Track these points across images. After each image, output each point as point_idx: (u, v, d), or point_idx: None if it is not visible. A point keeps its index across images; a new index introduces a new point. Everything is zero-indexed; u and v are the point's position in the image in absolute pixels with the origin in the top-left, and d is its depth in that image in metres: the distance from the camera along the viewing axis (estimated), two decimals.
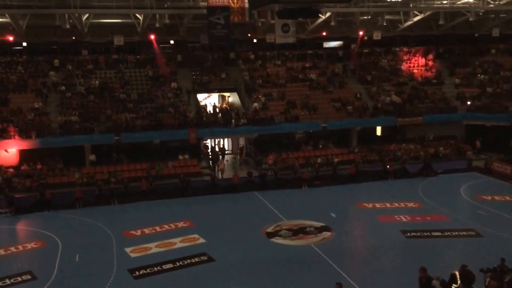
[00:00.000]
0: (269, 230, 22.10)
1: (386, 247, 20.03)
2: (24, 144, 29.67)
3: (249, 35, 38.93)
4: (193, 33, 37.19)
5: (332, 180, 30.21)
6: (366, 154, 33.75)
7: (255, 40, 40.03)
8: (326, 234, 21.47)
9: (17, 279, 17.59)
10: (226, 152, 36.54)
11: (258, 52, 40.33)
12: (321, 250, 19.52)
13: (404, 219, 23.08)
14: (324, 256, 18.95)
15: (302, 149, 34.36)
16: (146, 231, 22.46)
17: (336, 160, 32.15)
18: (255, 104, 34.72)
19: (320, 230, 21.92)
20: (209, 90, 37.58)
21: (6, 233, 22.80)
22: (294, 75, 38.77)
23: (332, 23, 37.20)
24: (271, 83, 37.63)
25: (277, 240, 21.03)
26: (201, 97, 37.44)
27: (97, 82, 35.27)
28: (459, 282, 12.19)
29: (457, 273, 12.13)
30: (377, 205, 25.39)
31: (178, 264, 18.64)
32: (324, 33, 40.55)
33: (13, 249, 20.61)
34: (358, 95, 37.53)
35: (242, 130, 33.26)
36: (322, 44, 42.82)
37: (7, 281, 17.43)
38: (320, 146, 34.67)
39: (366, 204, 25.54)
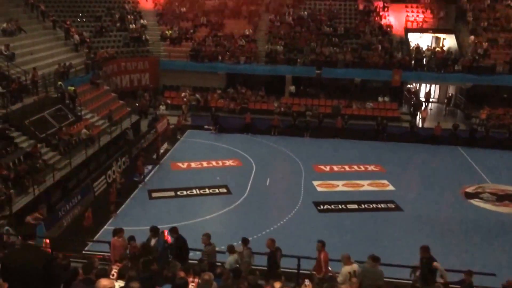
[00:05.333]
0: (469, 190, 20.08)
1: None
2: (233, 69, 31.55)
3: None
4: None
5: None
6: None
7: None
8: None
9: (215, 191, 19.27)
10: (432, 100, 33.62)
11: None
12: None
13: None
14: None
15: None
16: (335, 168, 22.26)
17: None
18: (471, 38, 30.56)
19: None
20: (423, 30, 34.33)
21: (210, 148, 24.96)
22: None
23: None
24: (499, 26, 32.58)
25: (477, 202, 19.05)
26: (412, 37, 34.53)
27: (305, 13, 35.16)
28: None
29: None
30: None
31: (363, 206, 18.15)
32: None
33: (214, 163, 22.51)
34: None
35: (455, 77, 29.93)
36: None
37: (207, 191, 19.24)
38: None
39: None
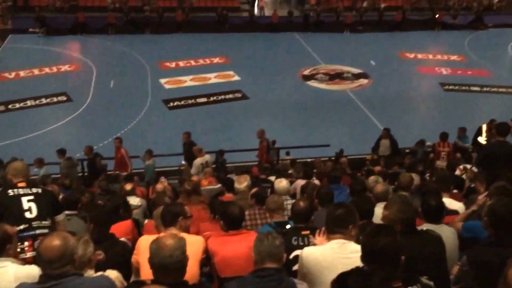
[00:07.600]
0: (306, 73, 21.60)
1: (423, 99, 20.14)
2: None
3: None
4: None
5: (377, 27, 28.44)
6: (416, 0, 31.09)
7: None
8: (363, 81, 21.01)
9: (53, 99, 17.85)
10: None
11: None
12: (356, 97, 19.29)
13: (445, 72, 22.30)
14: (358, 102, 18.77)
15: None
16: (181, 64, 22.02)
17: (383, 5, 29.80)
18: None
19: (357, 76, 21.41)
20: None
21: (40, 54, 22.54)
22: None
23: None
24: None
25: (313, 83, 20.68)
26: None
27: None
28: (484, 134, 11.35)
29: (484, 126, 11.32)
30: (419, 56, 24.40)
31: (212, 99, 18.55)
32: None
33: (47, 69, 20.56)
34: None
35: None
36: None
37: (43, 100, 17.73)
38: None
39: (408, 54, 24.46)
